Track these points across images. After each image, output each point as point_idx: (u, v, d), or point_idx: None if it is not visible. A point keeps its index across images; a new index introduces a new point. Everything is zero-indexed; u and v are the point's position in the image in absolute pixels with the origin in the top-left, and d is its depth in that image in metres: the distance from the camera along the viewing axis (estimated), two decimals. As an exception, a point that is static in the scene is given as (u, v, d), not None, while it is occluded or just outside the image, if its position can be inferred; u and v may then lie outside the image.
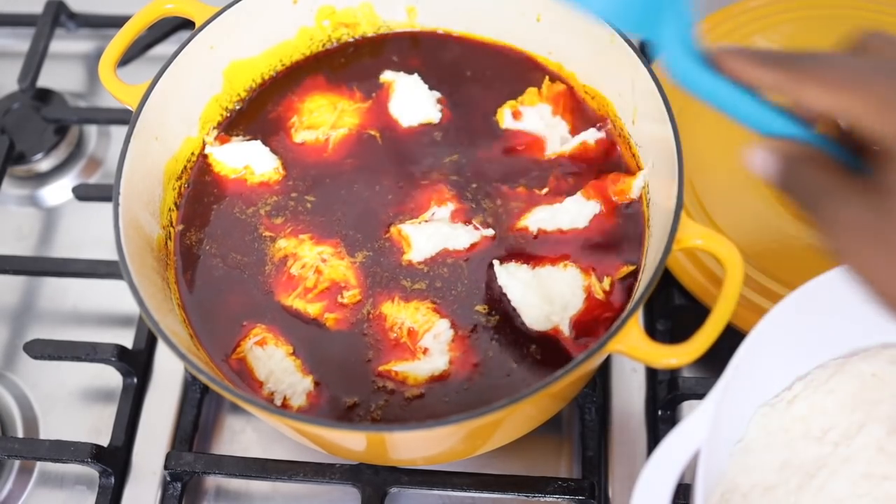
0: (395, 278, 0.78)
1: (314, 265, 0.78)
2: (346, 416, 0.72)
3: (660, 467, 0.61)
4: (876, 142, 0.47)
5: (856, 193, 0.47)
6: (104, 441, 0.84)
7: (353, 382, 0.73)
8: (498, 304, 0.76)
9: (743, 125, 0.54)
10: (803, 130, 0.52)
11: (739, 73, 0.51)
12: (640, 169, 0.80)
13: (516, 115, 0.85)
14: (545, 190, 0.81)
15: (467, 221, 0.79)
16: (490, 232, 0.79)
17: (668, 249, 0.66)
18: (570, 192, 0.80)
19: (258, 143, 0.84)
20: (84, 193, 0.95)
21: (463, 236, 0.78)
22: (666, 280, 0.85)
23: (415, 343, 0.74)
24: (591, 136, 0.82)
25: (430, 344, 0.74)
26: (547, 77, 0.87)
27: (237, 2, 0.83)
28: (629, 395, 0.85)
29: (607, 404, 0.84)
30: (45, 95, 1.04)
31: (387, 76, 0.88)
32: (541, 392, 0.63)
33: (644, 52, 1.00)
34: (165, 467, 0.81)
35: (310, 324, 0.76)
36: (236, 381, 0.74)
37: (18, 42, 1.10)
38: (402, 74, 0.88)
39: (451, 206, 0.80)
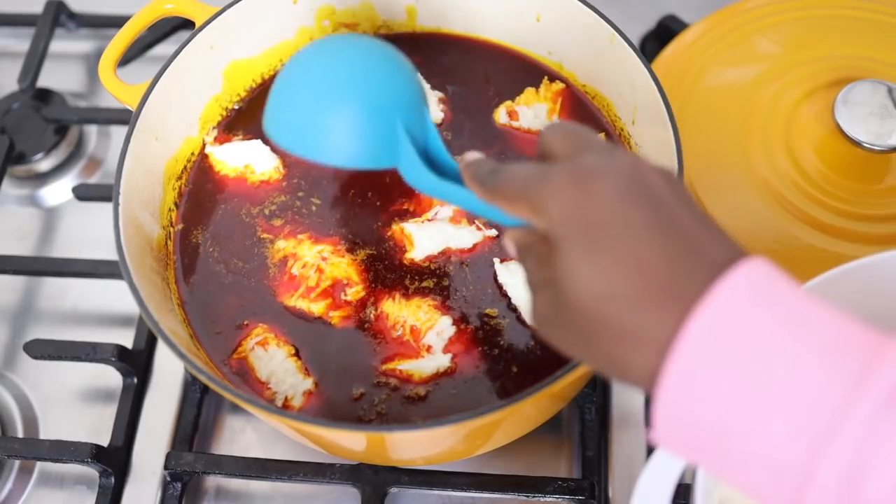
0: (397, 276, 0.78)
1: (315, 264, 0.78)
2: (351, 407, 0.72)
3: (660, 467, 0.61)
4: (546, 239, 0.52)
5: (548, 285, 0.53)
6: (104, 441, 0.84)
7: (356, 381, 0.73)
8: (500, 301, 0.76)
9: (486, 218, 0.61)
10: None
11: (468, 185, 0.60)
12: (640, 169, 0.80)
13: (512, 114, 0.85)
14: (545, 189, 0.81)
15: (470, 221, 0.80)
16: (493, 232, 0.79)
17: (668, 249, 0.66)
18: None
19: (258, 142, 0.84)
20: (84, 193, 0.95)
21: (466, 236, 0.79)
22: (666, 280, 0.85)
23: (418, 341, 0.74)
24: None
25: (433, 341, 0.74)
26: (546, 77, 0.87)
27: (237, 2, 0.83)
28: (629, 395, 0.85)
29: (607, 404, 0.84)
30: (45, 95, 1.04)
31: (388, 76, 0.88)
32: (541, 392, 0.64)
33: (644, 53, 1.01)
34: (165, 467, 0.81)
35: (314, 322, 0.76)
36: (237, 381, 0.74)
37: (18, 42, 1.10)
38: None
39: (453, 206, 0.80)
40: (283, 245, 0.80)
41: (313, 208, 0.82)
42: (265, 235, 0.80)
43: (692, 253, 0.49)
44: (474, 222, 0.80)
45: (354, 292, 0.77)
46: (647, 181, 0.51)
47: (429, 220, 0.80)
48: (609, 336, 0.49)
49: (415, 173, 0.65)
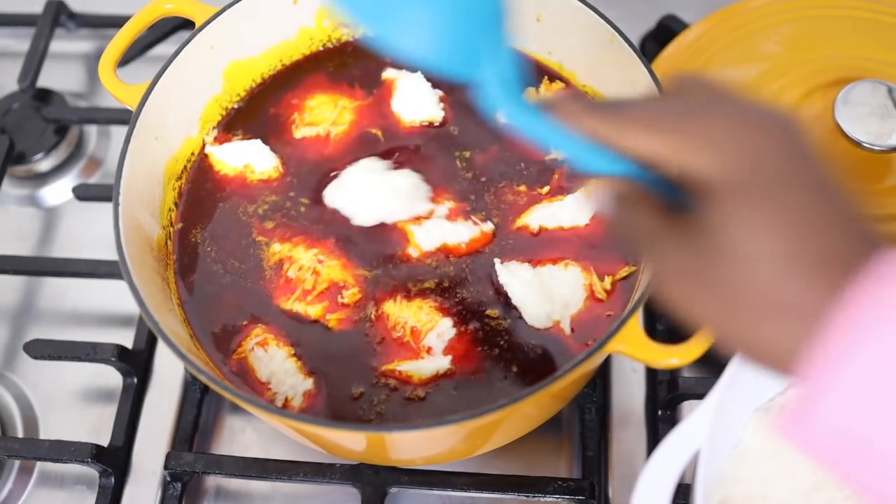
0: (397, 277, 0.78)
1: (311, 267, 0.78)
2: (351, 407, 0.72)
3: (660, 467, 0.61)
4: (694, 179, 0.47)
5: (680, 236, 0.47)
6: (104, 441, 0.84)
7: (356, 382, 0.73)
8: (500, 302, 0.76)
9: (576, 165, 0.52)
10: (633, 168, 0.50)
11: (568, 119, 0.51)
12: (640, 169, 0.80)
13: (512, 114, 0.85)
14: (546, 189, 0.81)
15: (466, 217, 0.79)
16: (489, 226, 0.79)
17: (668, 249, 0.66)
18: (572, 192, 0.80)
19: (258, 141, 0.84)
20: (84, 193, 0.95)
21: (462, 231, 0.78)
22: (666, 280, 0.85)
23: (418, 342, 0.74)
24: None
25: (433, 343, 0.74)
26: (546, 77, 0.87)
27: (237, 2, 0.83)
28: (629, 395, 0.85)
29: (607, 404, 0.84)
30: (45, 95, 1.04)
31: (389, 74, 0.88)
32: (541, 392, 0.63)
33: (644, 53, 1.01)
34: (165, 467, 0.81)
35: (311, 325, 0.76)
36: (237, 381, 0.74)
37: (18, 42, 1.10)
38: (404, 72, 0.87)
39: (449, 204, 0.80)
40: (277, 248, 0.79)
41: (307, 208, 0.81)
42: (259, 239, 0.80)
43: (854, 224, 0.46)
44: (470, 217, 0.80)
45: (351, 294, 0.77)
46: (812, 144, 0.47)
47: (426, 219, 0.80)
48: (758, 297, 0.45)
49: (499, 89, 0.55)
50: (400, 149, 0.84)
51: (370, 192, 0.79)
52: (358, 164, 0.81)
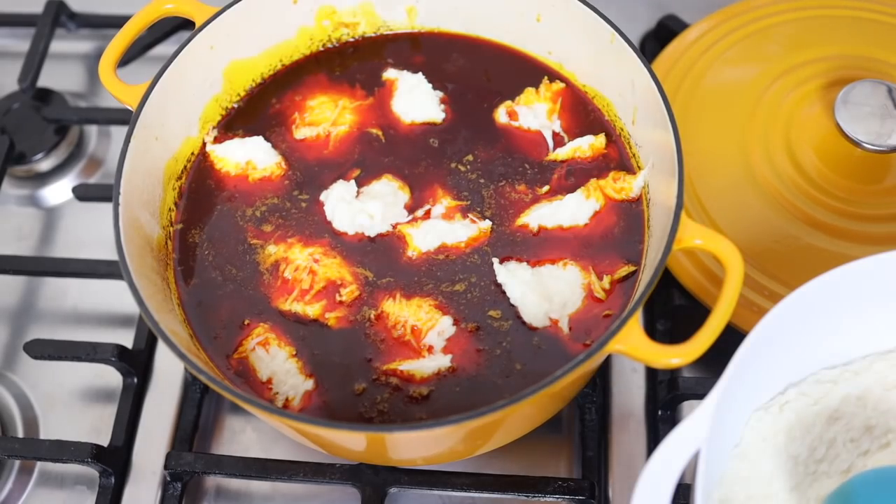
0: (395, 276, 0.78)
1: (307, 266, 0.78)
2: (353, 404, 0.72)
3: (660, 467, 0.61)
4: None
5: None
6: (104, 441, 0.84)
7: (357, 381, 0.73)
8: (501, 301, 0.76)
9: None
10: None
11: None
12: (640, 169, 0.80)
13: (512, 114, 0.85)
14: (546, 188, 0.81)
15: (464, 215, 0.80)
16: (486, 224, 0.79)
17: (668, 249, 0.66)
18: (571, 191, 0.80)
19: (260, 138, 0.84)
20: (84, 193, 0.95)
21: (460, 230, 0.79)
22: (666, 280, 0.85)
23: (419, 341, 0.74)
24: (590, 139, 0.82)
25: (434, 341, 0.74)
26: (546, 77, 0.87)
27: (237, 2, 0.83)
28: (629, 395, 0.85)
29: (607, 404, 0.84)
30: (45, 95, 1.04)
31: (390, 74, 0.88)
32: (541, 392, 0.63)
33: (644, 53, 1.01)
34: (165, 467, 0.81)
35: (311, 325, 0.76)
36: (237, 381, 0.74)
37: (18, 42, 1.10)
38: (405, 73, 0.88)
39: (446, 202, 0.80)
40: (272, 250, 0.79)
41: (306, 206, 0.81)
42: (255, 241, 0.80)
43: None
44: (467, 216, 0.80)
45: (349, 292, 0.77)
46: None
47: (424, 219, 0.80)
48: None
49: None
50: (393, 151, 0.84)
51: (348, 216, 0.80)
52: (332, 189, 0.82)
